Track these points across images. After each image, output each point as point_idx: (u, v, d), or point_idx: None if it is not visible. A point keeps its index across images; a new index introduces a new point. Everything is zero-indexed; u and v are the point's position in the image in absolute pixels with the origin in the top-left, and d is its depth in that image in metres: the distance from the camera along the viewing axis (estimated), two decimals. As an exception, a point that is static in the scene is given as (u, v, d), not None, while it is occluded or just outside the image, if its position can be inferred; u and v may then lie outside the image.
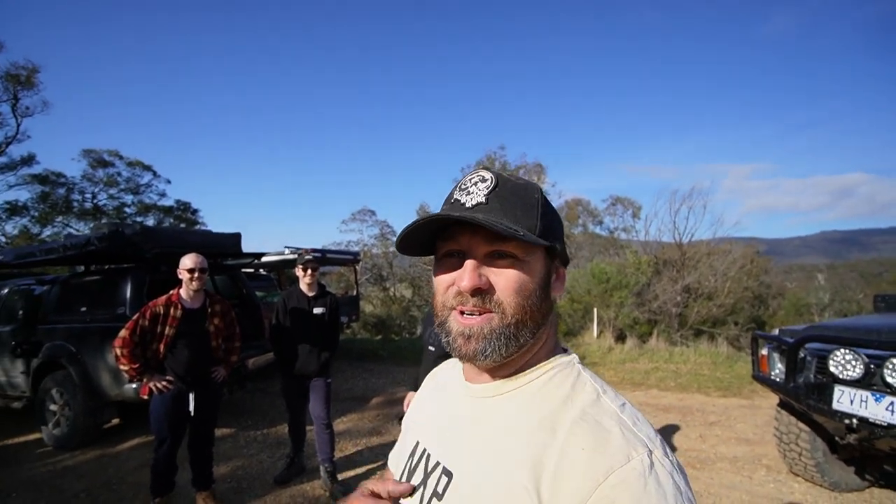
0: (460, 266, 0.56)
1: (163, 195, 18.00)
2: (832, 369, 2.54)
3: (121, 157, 16.90)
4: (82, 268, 4.96)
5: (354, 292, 9.68)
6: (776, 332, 3.11)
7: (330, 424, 3.33)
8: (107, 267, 4.82)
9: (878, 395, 2.35)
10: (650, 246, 15.26)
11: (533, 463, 0.49)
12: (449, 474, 0.57)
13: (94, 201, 16.73)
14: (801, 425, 3.06)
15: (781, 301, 20.19)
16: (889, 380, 2.32)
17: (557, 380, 0.57)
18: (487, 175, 0.57)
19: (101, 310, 4.14)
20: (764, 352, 3.09)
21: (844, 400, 2.46)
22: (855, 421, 2.39)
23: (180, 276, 2.84)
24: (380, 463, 3.68)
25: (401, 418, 2.64)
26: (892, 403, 2.29)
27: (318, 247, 7.89)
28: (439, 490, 0.57)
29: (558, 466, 0.47)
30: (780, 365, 2.95)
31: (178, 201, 18.33)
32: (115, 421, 4.49)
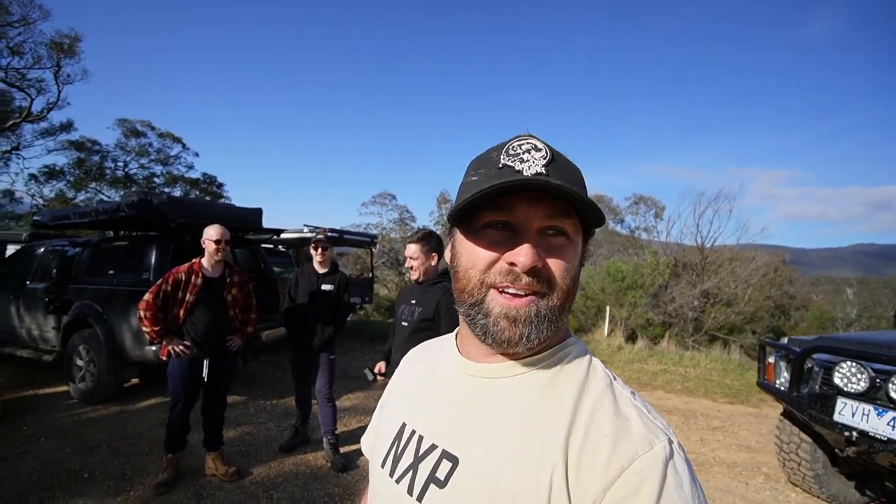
0: (507, 240, 0.51)
1: (190, 167, 18.58)
2: (837, 381, 2.51)
3: (153, 128, 17.44)
4: (111, 233, 5.20)
5: (370, 274, 9.84)
6: (785, 340, 3.07)
7: (332, 398, 3.45)
8: (134, 234, 5.05)
9: (880, 410, 2.33)
10: (671, 247, 14.98)
11: (554, 444, 0.48)
12: (453, 459, 0.53)
13: (126, 170, 17.36)
14: (803, 436, 3.04)
15: (805, 313, 19.60)
16: (894, 395, 2.29)
17: (572, 364, 0.55)
18: (540, 144, 0.52)
19: (128, 274, 4.36)
20: (771, 360, 3.07)
21: (846, 412, 2.44)
22: (855, 434, 2.37)
23: (204, 246, 2.97)
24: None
25: (371, 371, 2.60)
26: (894, 419, 2.26)
27: (337, 227, 8.05)
28: (440, 476, 0.53)
29: (582, 451, 0.47)
30: (785, 374, 2.93)
31: (204, 174, 18.86)
32: (135, 380, 4.76)
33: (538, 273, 0.50)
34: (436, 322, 2.29)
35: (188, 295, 2.93)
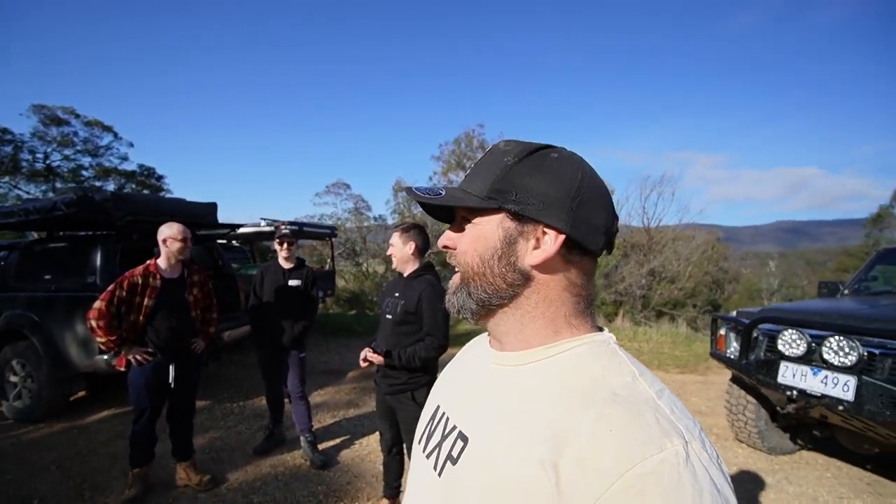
0: None
1: (124, 159, 17.06)
2: (780, 347, 2.81)
3: (77, 116, 15.78)
4: (34, 234, 4.70)
5: (328, 267, 9.62)
6: (734, 313, 3.38)
7: (305, 396, 3.39)
8: (61, 233, 4.60)
9: (815, 370, 2.64)
10: (620, 230, 15.76)
11: (555, 438, 0.46)
12: (465, 439, 0.56)
13: (47, 162, 15.65)
14: (749, 398, 3.38)
15: (736, 286, 21.48)
16: (826, 356, 2.61)
17: (589, 356, 0.54)
18: (491, 146, 0.60)
19: (69, 278, 3.97)
20: (722, 331, 3.36)
21: (788, 374, 2.74)
22: (795, 392, 2.68)
23: (166, 246, 2.77)
24: (358, 433, 3.80)
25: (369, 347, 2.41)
26: (826, 377, 2.58)
27: (294, 219, 7.76)
28: (454, 454, 0.56)
29: (583, 446, 0.44)
30: (735, 343, 3.22)
31: (141, 166, 17.41)
32: (82, 393, 4.40)
33: (451, 252, 0.60)
34: (417, 315, 2.31)
35: (146, 299, 2.74)
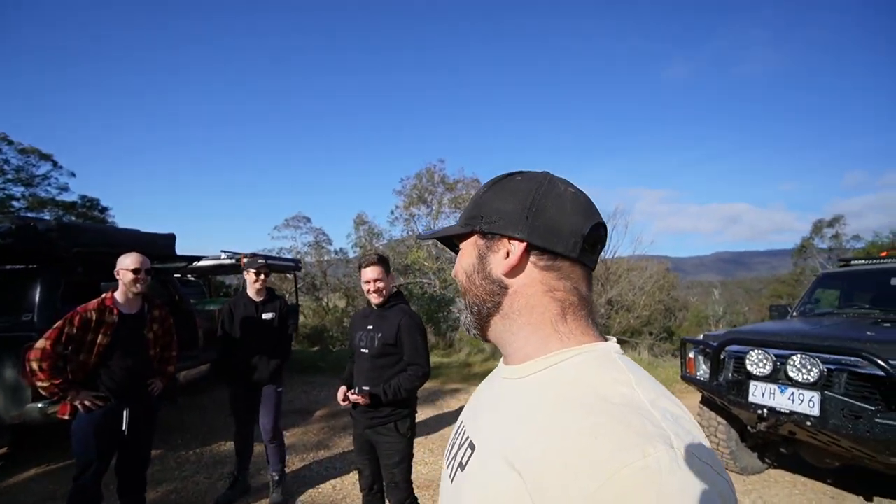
0: None
1: (64, 189, 15.86)
2: (748, 367, 2.95)
3: (10, 142, 14.64)
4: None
5: (290, 301, 9.23)
6: (701, 337, 3.53)
7: (281, 434, 3.19)
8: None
9: (782, 388, 2.78)
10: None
11: (544, 448, 0.47)
12: (473, 447, 0.60)
13: (-31, 192, 14.30)
14: (720, 419, 3.49)
15: (686, 313, 22.66)
16: (790, 374, 2.76)
17: (587, 366, 0.54)
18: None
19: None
20: (691, 355, 3.50)
21: (758, 393, 2.87)
22: (765, 410, 2.80)
23: (120, 277, 2.56)
24: (332, 475, 3.54)
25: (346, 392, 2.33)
26: (792, 394, 2.72)
27: (254, 252, 7.45)
28: (463, 462, 0.60)
29: (569, 455, 0.44)
30: (704, 366, 3.36)
31: (83, 197, 16.24)
32: (3, 450, 3.84)
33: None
34: (397, 346, 2.25)
35: (101, 336, 2.48)
